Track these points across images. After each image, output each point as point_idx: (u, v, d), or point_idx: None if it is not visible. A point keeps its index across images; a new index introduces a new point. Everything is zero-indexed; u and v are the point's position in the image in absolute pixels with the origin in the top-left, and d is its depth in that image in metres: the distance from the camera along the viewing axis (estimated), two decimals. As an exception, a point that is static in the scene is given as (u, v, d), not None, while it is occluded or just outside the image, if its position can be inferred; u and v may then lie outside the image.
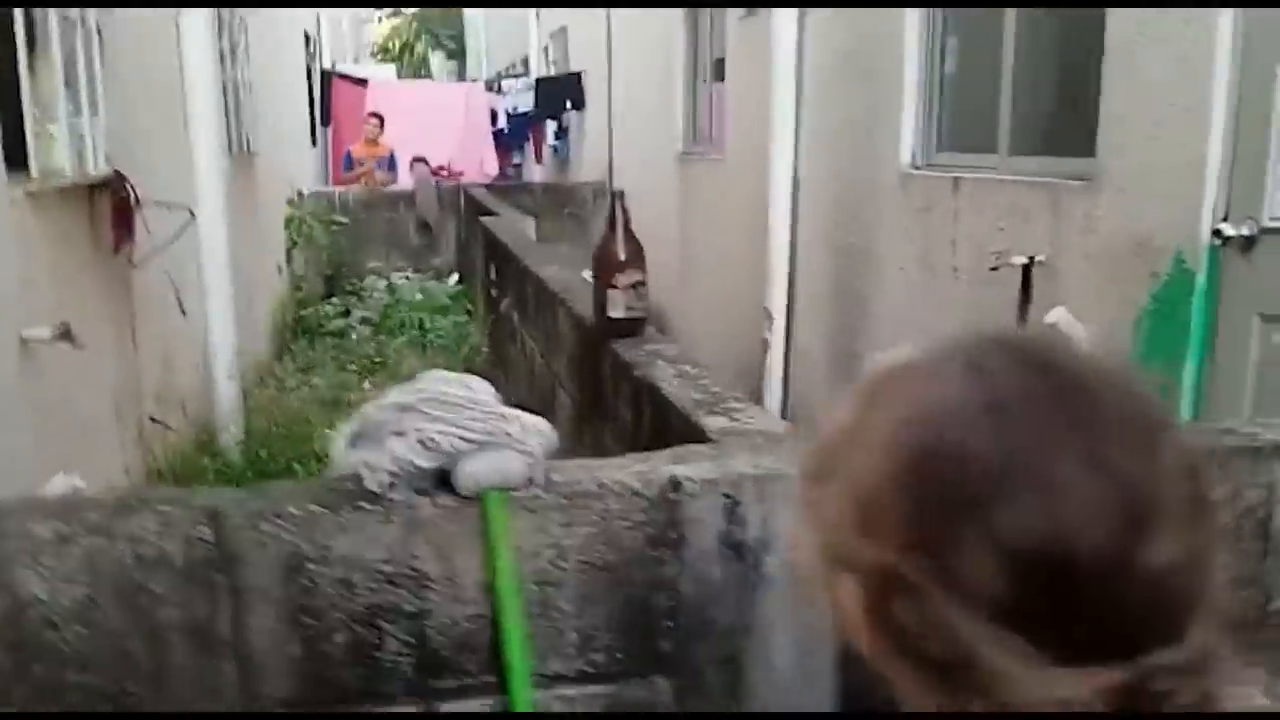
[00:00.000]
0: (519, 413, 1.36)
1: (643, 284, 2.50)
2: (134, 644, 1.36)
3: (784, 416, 5.65)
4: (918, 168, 4.29)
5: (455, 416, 1.30)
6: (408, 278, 9.80)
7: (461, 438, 1.30)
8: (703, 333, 7.38)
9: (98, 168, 3.38)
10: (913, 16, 4.23)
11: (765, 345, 5.56)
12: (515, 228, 5.26)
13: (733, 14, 6.35)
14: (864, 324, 4.80)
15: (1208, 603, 0.58)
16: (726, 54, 6.66)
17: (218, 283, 4.93)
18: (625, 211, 2.61)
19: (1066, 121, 3.39)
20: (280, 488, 1.45)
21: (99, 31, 3.46)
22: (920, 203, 4.19)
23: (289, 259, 9.02)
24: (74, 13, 3.18)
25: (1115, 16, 2.99)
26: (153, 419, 4.19)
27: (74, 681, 1.35)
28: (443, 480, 1.36)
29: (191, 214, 3.82)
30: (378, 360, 7.33)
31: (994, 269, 3.40)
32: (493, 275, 5.87)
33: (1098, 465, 0.55)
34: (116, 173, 3.53)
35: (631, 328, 2.55)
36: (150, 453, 3.97)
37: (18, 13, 2.76)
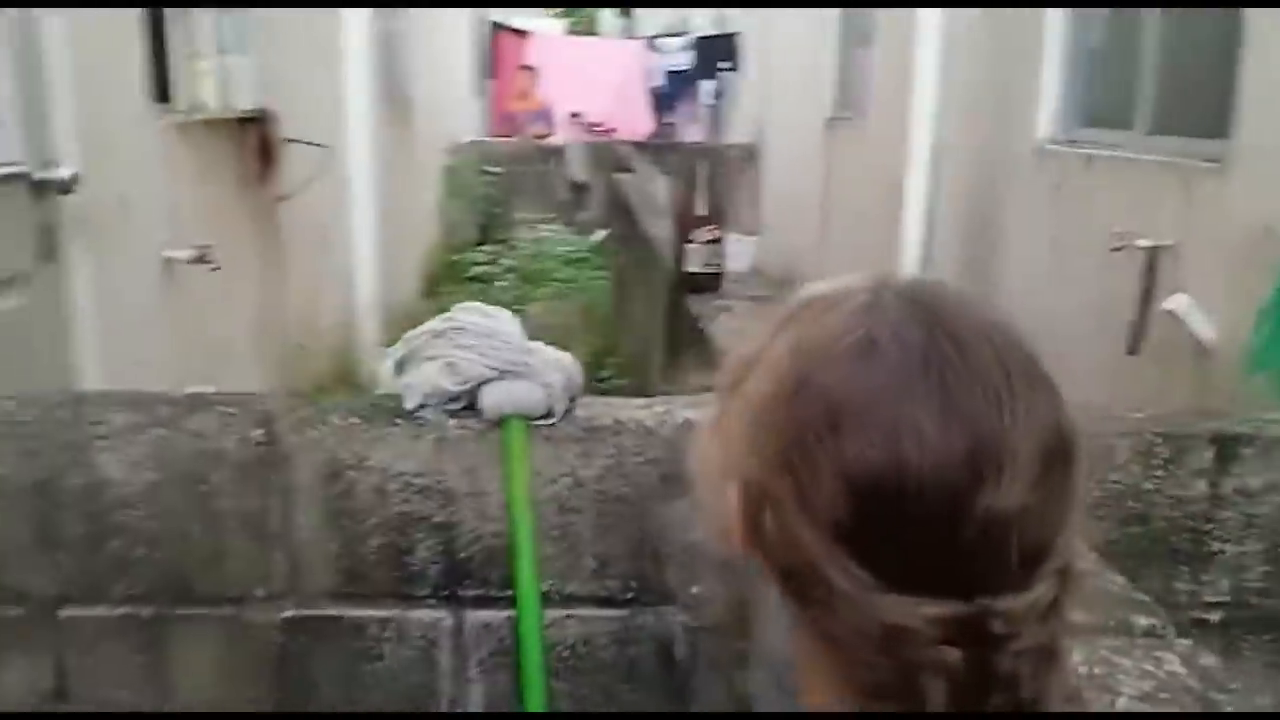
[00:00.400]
0: (542, 346, 1.43)
1: (719, 240, 2.53)
2: (194, 528, 1.51)
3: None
4: (1054, 142, 4.13)
5: (479, 345, 1.39)
6: (555, 230, 10.03)
7: (485, 365, 1.39)
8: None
9: (244, 103, 3.62)
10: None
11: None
12: (645, 187, 5.31)
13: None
14: (990, 296, 4.67)
15: (1057, 558, 0.60)
16: (875, 19, 6.51)
17: (363, 222, 5.23)
18: (700, 171, 2.63)
19: (1203, 101, 3.20)
20: (330, 401, 1.58)
21: (256, -25, 3.69)
22: (1053, 179, 4.04)
23: (443, 205, 9.38)
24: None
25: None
26: (298, 345, 4.49)
27: (142, 556, 1.52)
28: (471, 405, 1.45)
29: (323, 148, 4.04)
30: (517, 308, 7.56)
31: (1116, 249, 3.27)
32: (618, 230, 5.97)
33: (949, 410, 0.59)
34: (264, 109, 3.78)
35: (708, 282, 2.59)
36: (288, 376, 4.26)
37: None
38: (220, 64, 3.48)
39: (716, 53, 11.95)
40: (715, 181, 9.91)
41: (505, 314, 1.46)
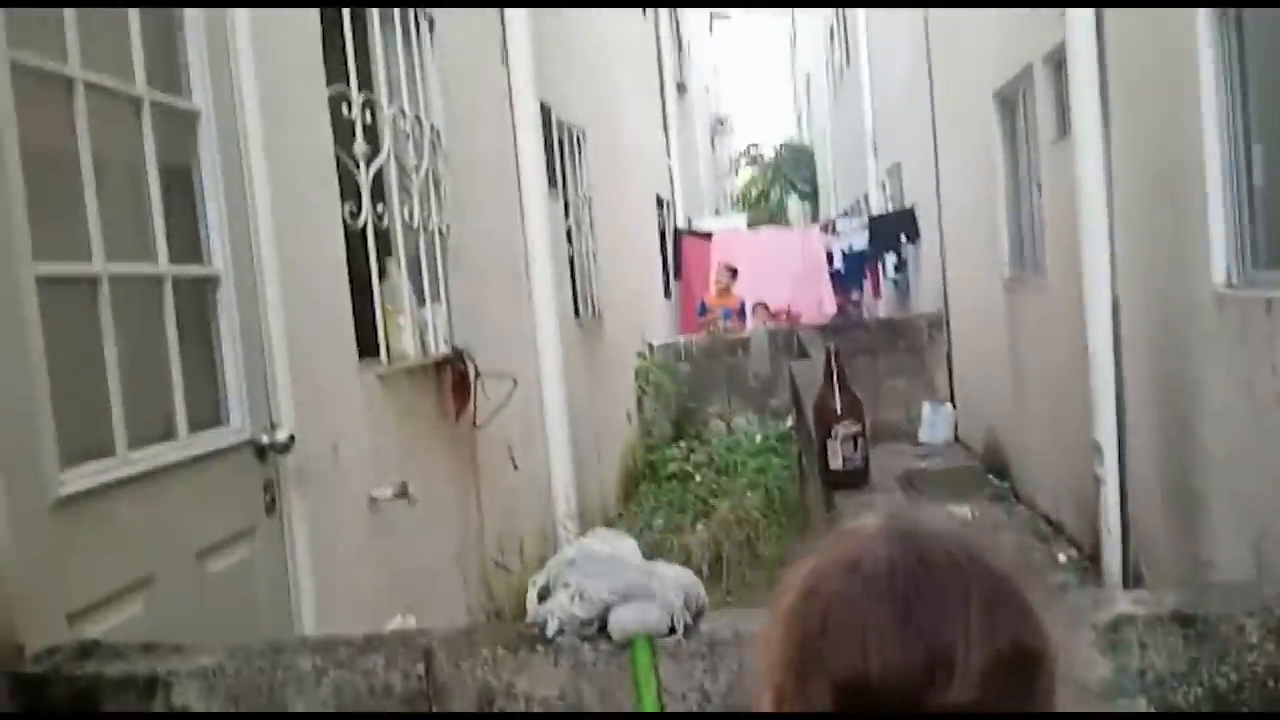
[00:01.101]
0: (663, 567, 1.55)
1: (861, 436, 2.59)
2: (372, 760, 1.67)
3: (1124, 558, 5.27)
4: (1231, 286, 3.98)
5: (604, 570, 1.52)
6: (748, 420, 10.19)
7: (610, 590, 1.52)
8: (1039, 464, 7.04)
9: (440, 348, 4.04)
10: (1212, 126, 4.01)
11: (1097, 481, 5.26)
12: (815, 374, 5.39)
13: (1044, 139, 6.26)
14: (1196, 457, 4.42)
15: None
16: (1041, 179, 6.54)
17: (557, 437, 5.56)
18: (840, 365, 2.72)
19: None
20: (482, 630, 1.74)
21: (442, 231, 4.18)
22: (1236, 325, 3.87)
23: (639, 406, 9.77)
24: (418, 217, 3.88)
25: None
26: (496, 562, 4.77)
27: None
28: (602, 628, 1.58)
29: (515, 382, 4.39)
30: (710, 502, 7.69)
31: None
32: (797, 419, 6.05)
33: (909, 623, 0.72)
34: (456, 349, 4.19)
35: (851, 479, 2.63)
36: (490, 593, 4.51)
37: (369, 223, 3.45)
38: (419, 315, 3.92)
39: (893, 228, 12.16)
40: (901, 349, 9.89)
41: (628, 540, 1.59)
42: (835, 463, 2.61)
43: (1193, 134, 4.08)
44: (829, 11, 19.74)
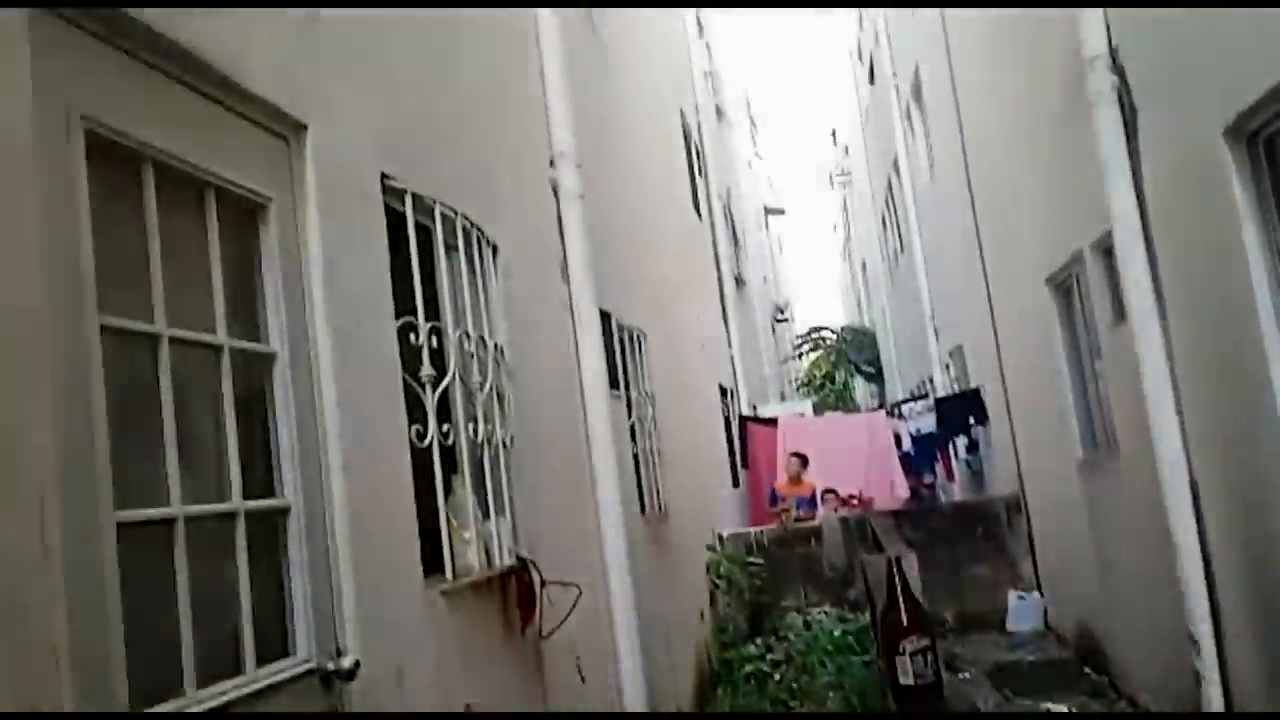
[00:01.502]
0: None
1: (931, 650, 2.51)
2: None
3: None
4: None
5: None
6: (825, 613, 9.89)
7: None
8: (1136, 655, 6.67)
9: (505, 560, 4.05)
10: (1267, 309, 4.00)
11: (1197, 676, 4.98)
12: (881, 568, 5.22)
13: (1102, 323, 6.26)
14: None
15: None
16: (1103, 360, 6.50)
17: (626, 645, 5.45)
18: (903, 574, 2.67)
19: None
20: None
21: (506, 444, 4.26)
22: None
23: (711, 601, 9.55)
24: (482, 433, 3.98)
25: None
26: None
27: None
28: None
29: (579, 590, 4.37)
30: (792, 702, 7.39)
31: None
32: (874, 614, 5.87)
33: None
34: (521, 559, 4.20)
35: (922, 695, 2.53)
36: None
37: (435, 443, 3.54)
38: (483, 529, 3.96)
39: (961, 410, 12.08)
40: (991, 537, 9.60)
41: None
42: (906, 679, 2.53)
43: (1249, 317, 4.07)
44: (881, 200, 20.33)
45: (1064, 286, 7.19)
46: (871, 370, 29.50)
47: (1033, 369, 8.58)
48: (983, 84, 8.81)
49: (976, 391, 11.69)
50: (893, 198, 17.76)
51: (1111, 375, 6.31)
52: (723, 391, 13.56)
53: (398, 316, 3.36)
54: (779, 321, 31.80)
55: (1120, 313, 5.59)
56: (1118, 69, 4.73)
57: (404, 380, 3.38)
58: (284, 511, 2.65)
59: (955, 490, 13.27)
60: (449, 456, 3.72)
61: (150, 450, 2.22)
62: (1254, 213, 4.02)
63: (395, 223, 3.47)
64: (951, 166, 10.95)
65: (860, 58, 20.67)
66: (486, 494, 3.99)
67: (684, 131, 13.38)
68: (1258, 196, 4.02)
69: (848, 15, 21.84)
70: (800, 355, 34.66)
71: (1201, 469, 4.87)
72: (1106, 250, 5.64)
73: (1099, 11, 4.77)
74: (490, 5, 5.10)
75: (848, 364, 31.99)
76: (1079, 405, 7.44)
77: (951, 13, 9.87)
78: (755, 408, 17.36)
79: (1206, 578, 4.87)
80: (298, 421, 2.67)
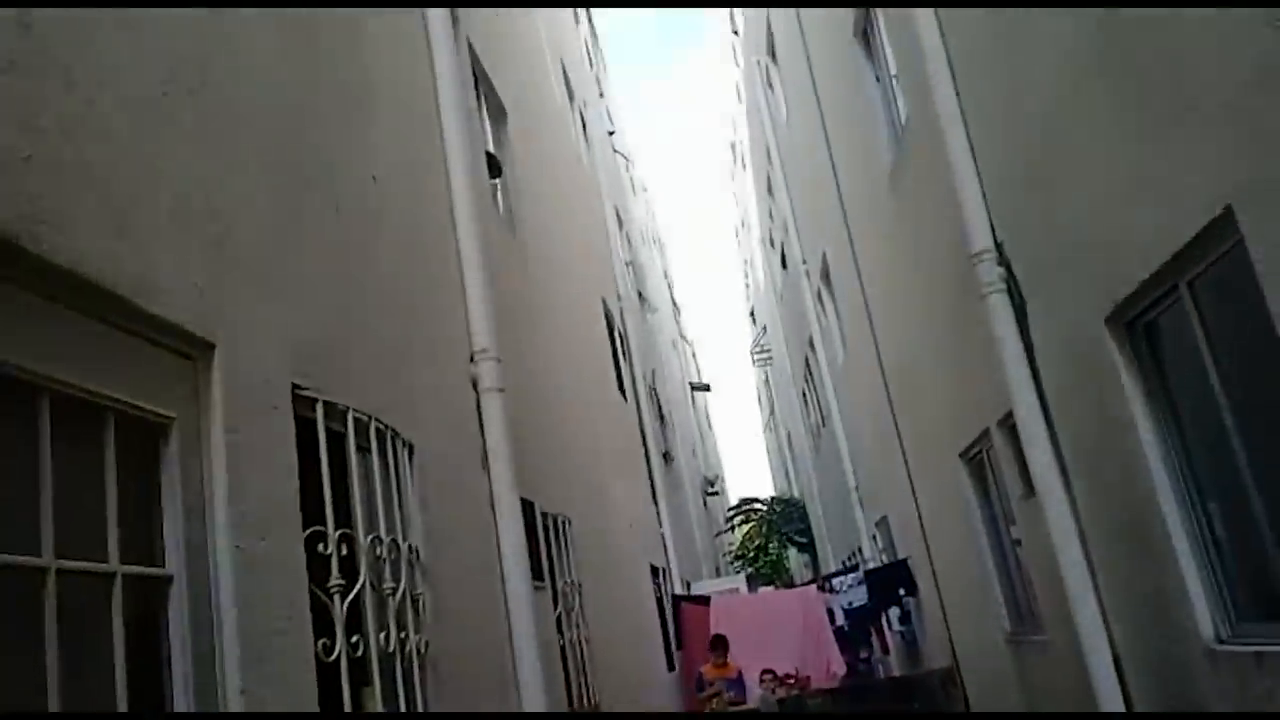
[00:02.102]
0: None
1: None
2: None
3: None
4: (1221, 642, 3.93)
5: None
6: (765, 803, 9.50)
7: None
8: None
9: (420, 776, 3.86)
10: (1165, 489, 4.14)
11: None
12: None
13: (1014, 496, 6.41)
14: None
15: None
16: (1020, 534, 6.61)
17: None
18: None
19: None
20: None
21: (420, 650, 4.13)
22: (1233, 682, 3.78)
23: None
24: (394, 640, 3.85)
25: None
26: None
27: None
28: None
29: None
30: None
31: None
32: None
33: None
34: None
35: None
36: None
37: (343, 655, 3.42)
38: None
39: (890, 581, 12.07)
40: None
41: None
42: None
43: (1149, 493, 4.21)
44: (800, 376, 20.83)
45: (976, 460, 7.38)
46: (803, 540, 29.46)
47: (955, 540, 8.68)
48: (885, 271, 9.25)
49: (904, 562, 11.73)
50: (811, 374, 18.23)
51: (1028, 546, 6.41)
52: (654, 571, 13.38)
53: (307, 525, 3.30)
54: (710, 495, 31.83)
55: (1030, 486, 5.73)
56: (1004, 261, 5.02)
57: (312, 591, 3.29)
58: (176, 743, 2.52)
59: (892, 664, 13.10)
60: (360, 667, 3.59)
61: (35, 681, 2.11)
62: (1140, 392, 4.23)
63: (307, 429, 3.46)
64: (863, 345, 11.34)
65: (772, 244, 21.60)
66: (399, 706, 3.84)
67: (606, 318, 13.70)
68: (1142, 377, 4.24)
69: (758, 205, 22.92)
70: (733, 528, 34.54)
71: (1121, 637, 4.91)
72: (1012, 427, 5.83)
73: (983, 209, 5.11)
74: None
75: (779, 535, 31.92)
76: (1001, 576, 7.51)
77: (851, 205, 10.45)
78: (689, 585, 17.13)
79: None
80: (193, 646, 2.57)
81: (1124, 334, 4.24)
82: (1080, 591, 4.98)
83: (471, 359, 5.63)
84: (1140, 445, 4.19)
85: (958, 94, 5.31)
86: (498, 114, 8.95)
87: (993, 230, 5.08)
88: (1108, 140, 3.90)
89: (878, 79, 8.34)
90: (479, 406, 5.62)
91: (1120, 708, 4.87)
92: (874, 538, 14.37)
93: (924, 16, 5.51)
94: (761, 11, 15.97)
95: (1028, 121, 4.69)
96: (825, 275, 14.09)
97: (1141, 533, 4.42)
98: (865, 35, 8.51)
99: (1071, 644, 5.19)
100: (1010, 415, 5.40)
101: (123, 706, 2.34)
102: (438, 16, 6.14)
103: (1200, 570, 4.05)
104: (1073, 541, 5.03)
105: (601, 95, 20.60)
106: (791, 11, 12.37)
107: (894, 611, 12.79)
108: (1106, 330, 4.26)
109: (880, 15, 7.74)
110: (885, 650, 13.01)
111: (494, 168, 8.12)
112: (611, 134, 20.48)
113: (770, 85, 16.86)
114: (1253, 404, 3.50)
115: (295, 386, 3.36)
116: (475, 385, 5.62)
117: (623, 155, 23.05)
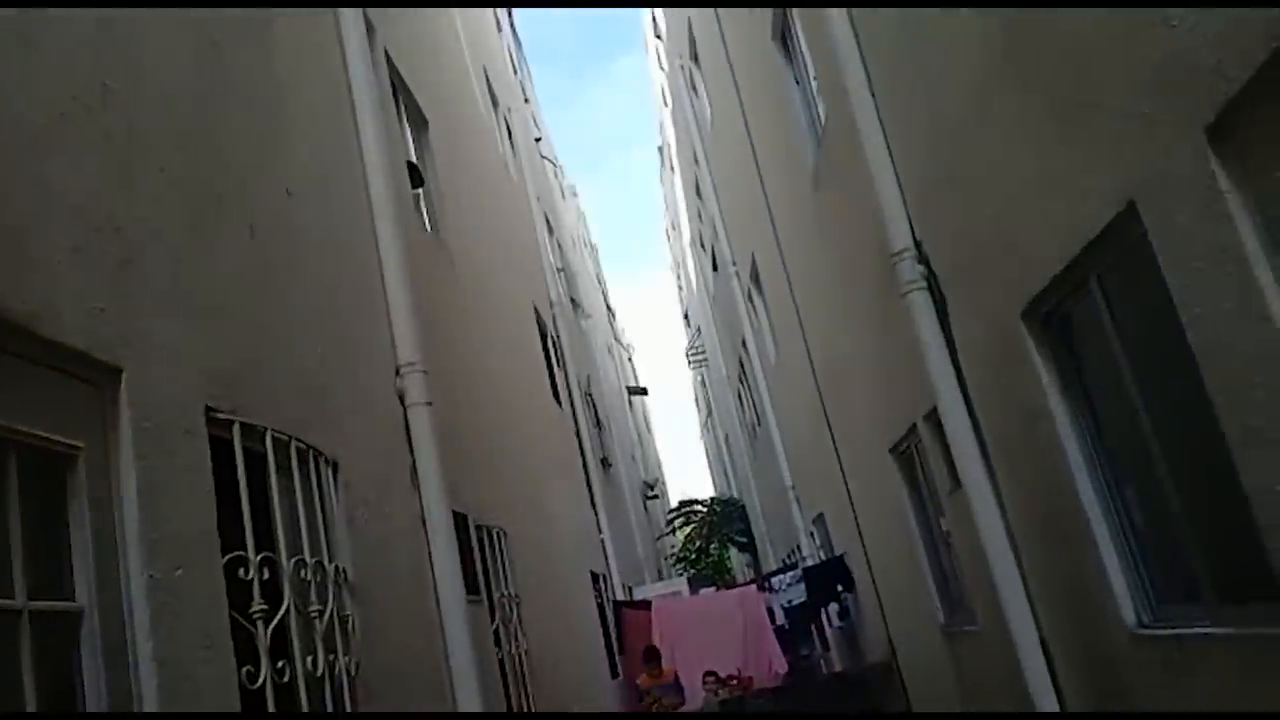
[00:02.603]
0: None
1: None
2: None
3: None
4: (1144, 626, 4.03)
5: None
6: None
7: None
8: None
9: (355, 800, 3.79)
10: (1083, 476, 4.24)
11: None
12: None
13: (942, 489, 6.51)
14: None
15: None
16: (949, 524, 6.72)
17: None
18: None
19: (1247, 564, 3.18)
20: None
21: (350, 671, 4.06)
22: (1157, 664, 3.88)
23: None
24: (322, 664, 3.78)
25: (1245, 469, 2.92)
26: None
27: None
28: None
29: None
30: None
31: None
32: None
33: None
34: (374, 799, 3.94)
35: None
36: None
37: (268, 682, 3.34)
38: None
39: (828, 577, 12.20)
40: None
41: None
42: None
43: (1067, 481, 4.31)
44: (735, 377, 20.96)
45: (906, 456, 7.49)
46: (744, 540, 29.61)
47: (889, 534, 8.80)
48: (812, 271, 9.35)
49: (841, 558, 11.87)
50: (745, 374, 18.36)
51: (958, 538, 6.52)
52: (595, 577, 13.35)
53: (226, 550, 3.22)
54: (650, 499, 31.84)
55: (957, 479, 5.83)
56: (923, 259, 5.10)
57: (233, 618, 3.21)
58: (93, 785, 2.43)
59: (833, 659, 13.24)
60: (287, 693, 3.52)
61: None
62: (1056, 382, 4.33)
63: (224, 451, 3.38)
64: (793, 345, 11.45)
65: (703, 246, 21.72)
66: (332, 729, 3.77)
67: (539, 325, 13.64)
68: (1058, 368, 4.34)
69: (687, 207, 23.04)
70: (674, 530, 34.59)
71: (1049, 625, 5.01)
72: (937, 422, 5.92)
73: (901, 209, 5.19)
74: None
75: (720, 535, 32.05)
76: (934, 569, 7.63)
77: (777, 206, 10.54)
78: (631, 590, 17.12)
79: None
80: (107, 682, 2.49)
81: (1039, 328, 4.34)
82: (1008, 582, 5.08)
83: (397, 372, 5.56)
84: (1058, 436, 4.28)
85: (873, 95, 5.39)
86: (418, 122, 8.86)
87: (912, 229, 5.16)
88: (1018, 139, 3.98)
89: (797, 81, 8.43)
90: (406, 420, 5.55)
91: (1051, 696, 4.97)
92: (811, 535, 14.51)
93: (838, 17, 5.58)
94: (683, 14, 16.06)
95: (942, 121, 4.77)
96: (755, 276, 14.20)
97: (1063, 521, 4.52)
98: (784, 37, 8.59)
99: (1002, 633, 5.28)
100: (935, 410, 5.49)
101: (32, 749, 2.26)
102: (352, 23, 6.06)
103: (1120, 557, 4.15)
104: (999, 532, 5.13)
105: (527, 101, 20.52)
106: (712, 14, 12.45)
107: (833, 608, 12.93)
108: (1022, 324, 4.35)
109: (797, 16, 7.83)
110: (825, 647, 13.14)
111: (416, 177, 8.03)
112: (538, 140, 20.41)
113: (694, 88, 16.96)
114: (1162, 392, 3.60)
115: (209, 409, 3.28)
116: (402, 399, 5.55)
117: (550, 161, 23.00)
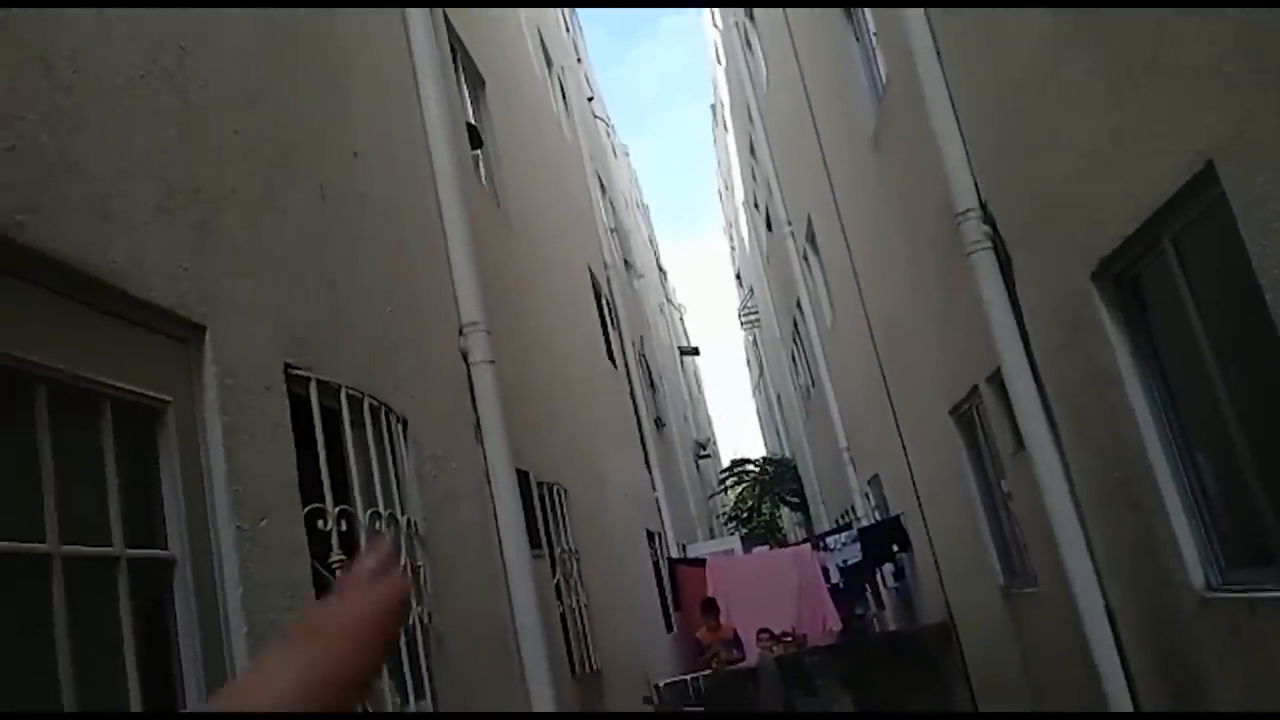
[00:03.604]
0: None
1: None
2: None
3: None
4: (1212, 589, 4.00)
5: None
6: (766, 760, 9.66)
7: None
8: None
9: (427, 746, 3.91)
10: (1153, 441, 4.19)
11: (1129, 798, 4.97)
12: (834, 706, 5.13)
13: (1004, 452, 6.47)
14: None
15: None
16: (1010, 487, 6.68)
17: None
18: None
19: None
20: None
21: (424, 621, 4.17)
22: (1226, 629, 3.85)
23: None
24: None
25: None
26: None
27: None
28: None
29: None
30: None
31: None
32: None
33: None
34: (444, 745, 4.06)
35: None
36: None
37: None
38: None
39: (884, 538, 12.19)
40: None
41: None
42: None
43: (1137, 446, 4.26)
44: (789, 338, 20.87)
45: (966, 418, 7.43)
46: (796, 500, 29.64)
47: (947, 496, 8.77)
48: (870, 232, 9.26)
49: (897, 519, 11.84)
50: (799, 335, 18.27)
51: (1019, 500, 6.48)
52: (650, 535, 13.48)
53: (305, 503, 3.33)
54: (702, 458, 31.96)
55: (1020, 441, 5.79)
56: (989, 219, 5.04)
57: (314, 568, 3.32)
58: (187, 723, 2.55)
59: (888, 619, 13.25)
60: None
61: (46, 668, 2.14)
62: (1126, 345, 4.27)
63: (301, 408, 3.47)
64: (850, 306, 11.37)
65: (756, 206, 21.55)
66: (404, 677, 3.89)
67: (593, 286, 13.69)
68: (1129, 331, 4.28)
69: (740, 167, 22.85)
70: (726, 489, 34.74)
71: (1113, 587, 4.99)
72: (1001, 384, 5.87)
73: (967, 169, 5.11)
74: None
75: (773, 495, 32.12)
76: (994, 530, 7.59)
77: (835, 166, 10.43)
78: (684, 548, 17.27)
79: (1131, 697, 4.92)
80: (200, 628, 2.60)
81: (1110, 289, 4.27)
82: (1071, 544, 5.05)
83: (461, 332, 5.65)
84: (1127, 398, 4.23)
85: (939, 54, 5.30)
86: (476, 84, 8.88)
87: (977, 189, 5.09)
88: (1088, 99, 3.90)
89: (858, 39, 8.30)
90: (470, 379, 5.64)
91: (1114, 657, 4.96)
92: (866, 496, 14.49)
93: (903, -26, 5.49)
94: (740, -29, 15.83)
95: (1009, 81, 4.69)
96: (811, 237, 14.09)
97: (1131, 484, 4.48)
98: (845, -6, 8.45)
99: (1064, 595, 5.27)
100: (999, 371, 5.44)
101: (134, 690, 2.37)
102: (413, -14, 6.08)
103: (1189, 520, 4.10)
104: (1063, 495, 5.10)
105: (579, 60, 20.43)
106: (770, -29, 12.26)
107: (888, 568, 12.91)
108: (1092, 285, 4.29)
109: (859, -27, 7.69)
110: (880, 606, 13.15)
111: (475, 138, 8.07)
112: (590, 99, 20.34)
113: (749, 46, 16.76)
114: (1236, 354, 3.54)
115: (288, 366, 3.37)
116: (466, 358, 5.64)
117: (603, 120, 22.92)
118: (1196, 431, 4.02)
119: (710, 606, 11.80)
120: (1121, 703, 4.92)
